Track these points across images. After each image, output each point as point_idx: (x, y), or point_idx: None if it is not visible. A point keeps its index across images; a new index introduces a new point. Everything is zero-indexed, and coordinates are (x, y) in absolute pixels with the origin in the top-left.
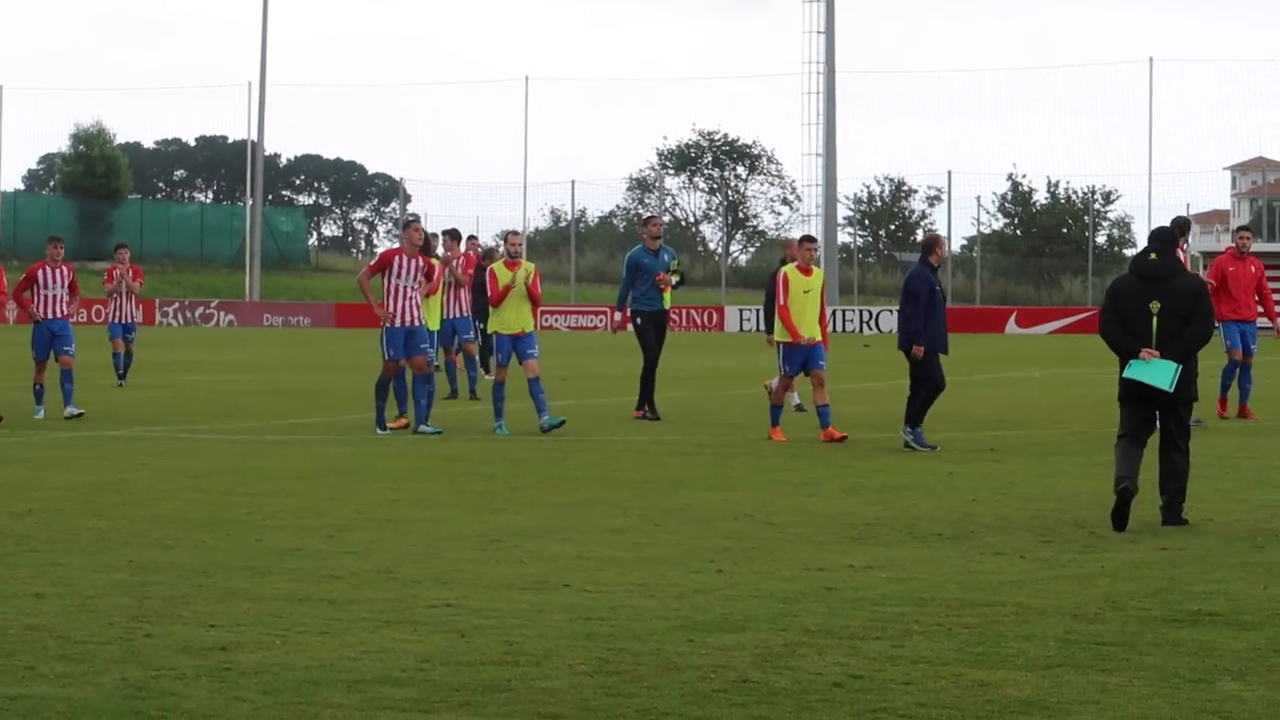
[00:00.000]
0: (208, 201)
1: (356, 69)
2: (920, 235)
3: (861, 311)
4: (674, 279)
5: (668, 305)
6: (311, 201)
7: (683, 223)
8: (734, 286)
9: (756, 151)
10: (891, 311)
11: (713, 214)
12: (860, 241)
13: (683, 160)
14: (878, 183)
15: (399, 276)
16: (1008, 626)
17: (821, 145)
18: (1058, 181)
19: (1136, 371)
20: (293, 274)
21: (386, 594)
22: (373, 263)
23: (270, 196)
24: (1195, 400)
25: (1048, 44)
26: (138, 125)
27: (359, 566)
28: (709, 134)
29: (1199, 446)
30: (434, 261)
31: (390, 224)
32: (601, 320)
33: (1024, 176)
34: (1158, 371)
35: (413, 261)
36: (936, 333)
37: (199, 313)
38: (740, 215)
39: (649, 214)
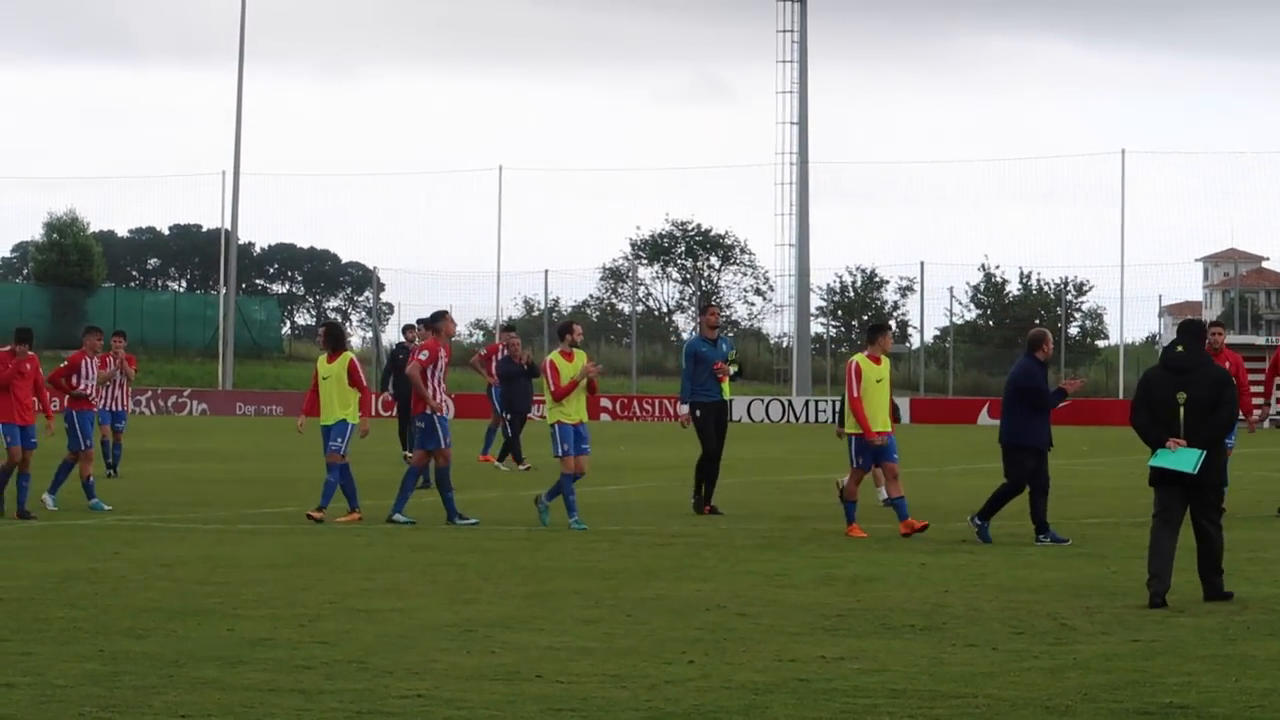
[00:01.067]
0: (181, 290)
1: (330, 159)
2: (893, 326)
3: (834, 402)
4: (732, 369)
5: (727, 396)
6: (285, 290)
7: (655, 313)
8: None
9: (729, 241)
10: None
11: (686, 304)
12: (833, 332)
13: (656, 250)
14: (850, 273)
15: (439, 369)
16: (979, 718)
17: (794, 235)
18: (1030, 272)
19: (1163, 459)
20: (266, 363)
21: (358, 684)
22: (424, 357)
23: (244, 285)
24: (1225, 484)
25: (1020, 135)
26: (111, 214)
27: (330, 656)
28: (682, 224)
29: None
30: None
31: (364, 313)
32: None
33: (997, 267)
34: (1183, 458)
35: (444, 351)
36: (1044, 429)
37: (171, 401)
38: (713, 305)
39: (707, 304)
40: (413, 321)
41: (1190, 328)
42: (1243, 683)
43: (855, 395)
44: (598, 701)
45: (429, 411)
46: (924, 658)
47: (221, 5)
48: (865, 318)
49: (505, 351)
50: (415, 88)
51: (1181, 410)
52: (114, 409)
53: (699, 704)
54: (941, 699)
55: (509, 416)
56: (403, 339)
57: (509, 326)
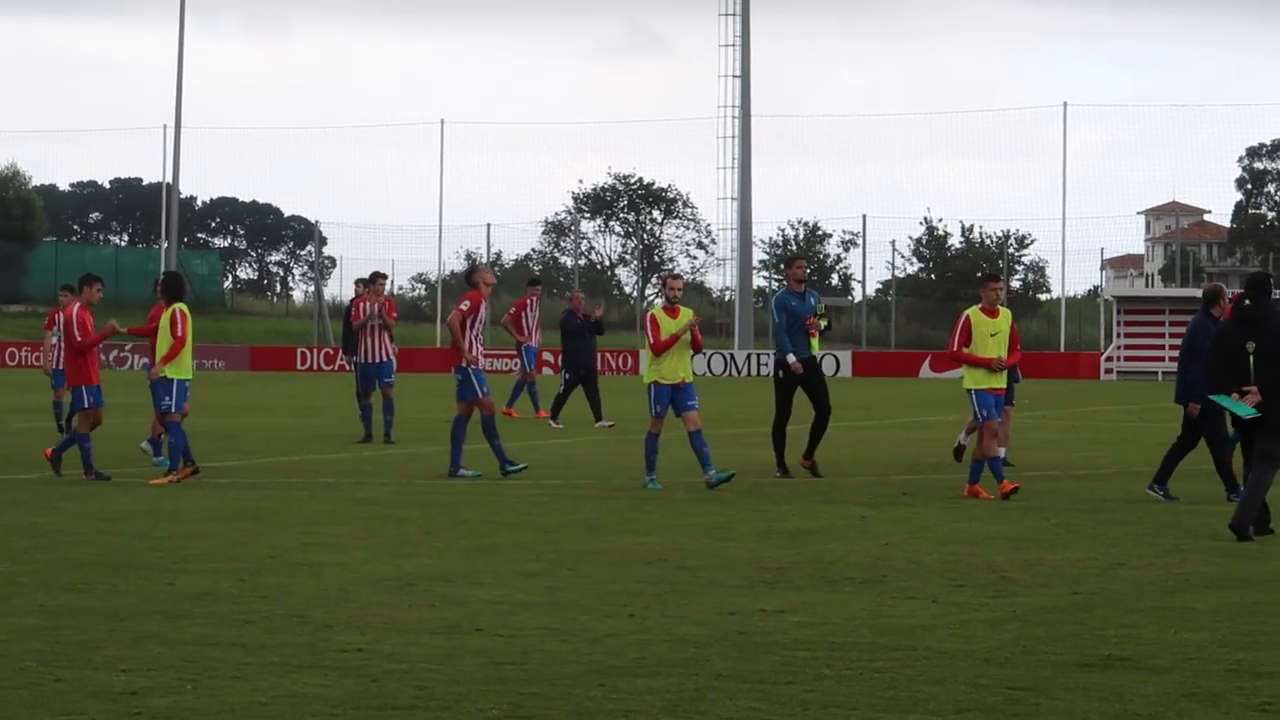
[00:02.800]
0: (123, 244)
1: (273, 113)
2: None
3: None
4: (823, 323)
5: (816, 351)
6: (227, 244)
7: (598, 266)
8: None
9: (672, 195)
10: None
11: (628, 258)
12: (775, 285)
13: (598, 204)
14: (792, 226)
15: (479, 321)
16: (919, 671)
17: (736, 189)
18: (972, 226)
19: (1224, 401)
20: (208, 317)
21: (298, 638)
22: (465, 308)
23: (186, 239)
24: None
25: (960, 89)
26: (53, 168)
27: (271, 610)
28: (624, 178)
29: (1112, 492)
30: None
31: (306, 266)
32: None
33: (939, 221)
34: (1241, 407)
35: (485, 306)
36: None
37: (113, 355)
38: (656, 259)
39: (794, 255)
40: (363, 277)
41: (1257, 280)
42: (1181, 634)
43: (955, 348)
44: (538, 655)
45: (465, 364)
46: (864, 610)
47: None
48: (809, 271)
49: (568, 306)
50: (346, 42)
51: (1251, 359)
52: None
53: (640, 657)
54: (881, 651)
55: (568, 375)
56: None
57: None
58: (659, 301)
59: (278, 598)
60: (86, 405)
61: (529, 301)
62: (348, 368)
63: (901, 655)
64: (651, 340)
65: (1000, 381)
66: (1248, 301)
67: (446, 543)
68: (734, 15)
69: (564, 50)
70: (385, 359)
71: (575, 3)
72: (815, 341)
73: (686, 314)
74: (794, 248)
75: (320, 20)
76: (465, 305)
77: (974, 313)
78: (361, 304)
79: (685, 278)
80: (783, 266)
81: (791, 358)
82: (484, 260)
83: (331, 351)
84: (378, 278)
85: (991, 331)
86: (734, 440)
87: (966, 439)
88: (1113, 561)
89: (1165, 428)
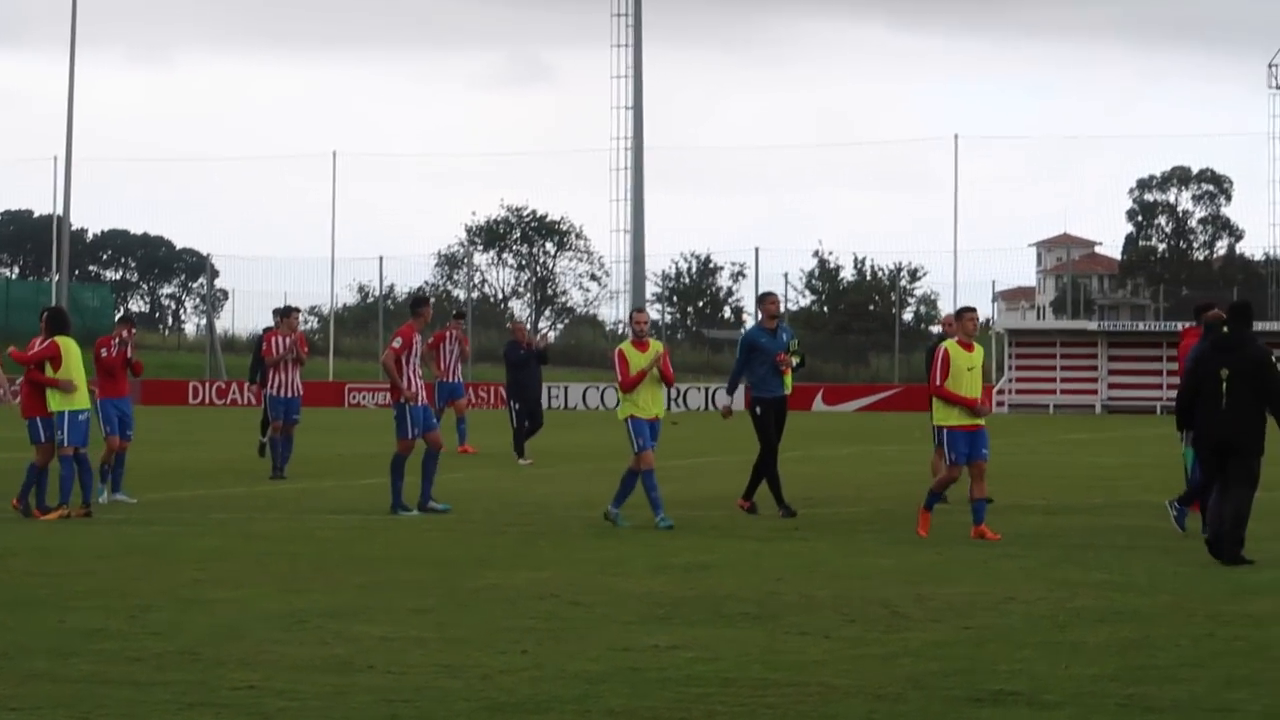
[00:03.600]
0: (13, 276)
1: (162, 144)
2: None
3: (669, 389)
4: (795, 359)
5: (788, 390)
6: (119, 277)
7: (491, 299)
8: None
9: (565, 228)
10: (699, 389)
11: (521, 290)
12: (669, 318)
13: (491, 236)
14: (684, 259)
15: (415, 355)
16: (811, 706)
17: (629, 222)
18: (864, 258)
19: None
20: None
21: (189, 675)
22: (397, 345)
23: (77, 271)
24: (1261, 452)
25: (852, 120)
26: None
27: (162, 648)
28: (517, 210)
29: (1003, 527)
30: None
31: (198, 299)
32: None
33: (830, 253)
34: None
35: (420, 339)
36: None
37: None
38: (549, 292)
39: (766, 292)
40: (281, 307)
41: (1238, 309)
42: (1073, 669)
43: (938, 384)
44: (431, 692)
45: (402, 400)
46: (756, 646)
47: None
48: (700, 304)
49: (511, 337)
50: (234, 72)
51: (1224, 385)
52: None
53: (533, 694)
54: (774, 687)
55: (516, 406)
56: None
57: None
58: (628, 336)
59: (169, 635)
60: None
61: (448, 334)
62: (256, 401)
63: (794, 691)
64: (620, 377)
65: (977, 420)
66: (1225, 329)
67: (338, 579)
68: (626, 46)
69: (452, 81)
70: (295, 394)
71: (462, 34)
72: (788, 379)
73: (656, 347)
74: (687, 280)
75: (205, 50)
76: (397, 342)
77: (951, 346)
78: (274, 338)
79: (580, 311)
80: (756, 303)
81: (724, 400)
82: (377, 292)
83: (224, 385)
84: (291, 312)
85: (969, 365)
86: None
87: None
88: (1004, 596)
89: (1055, 460)
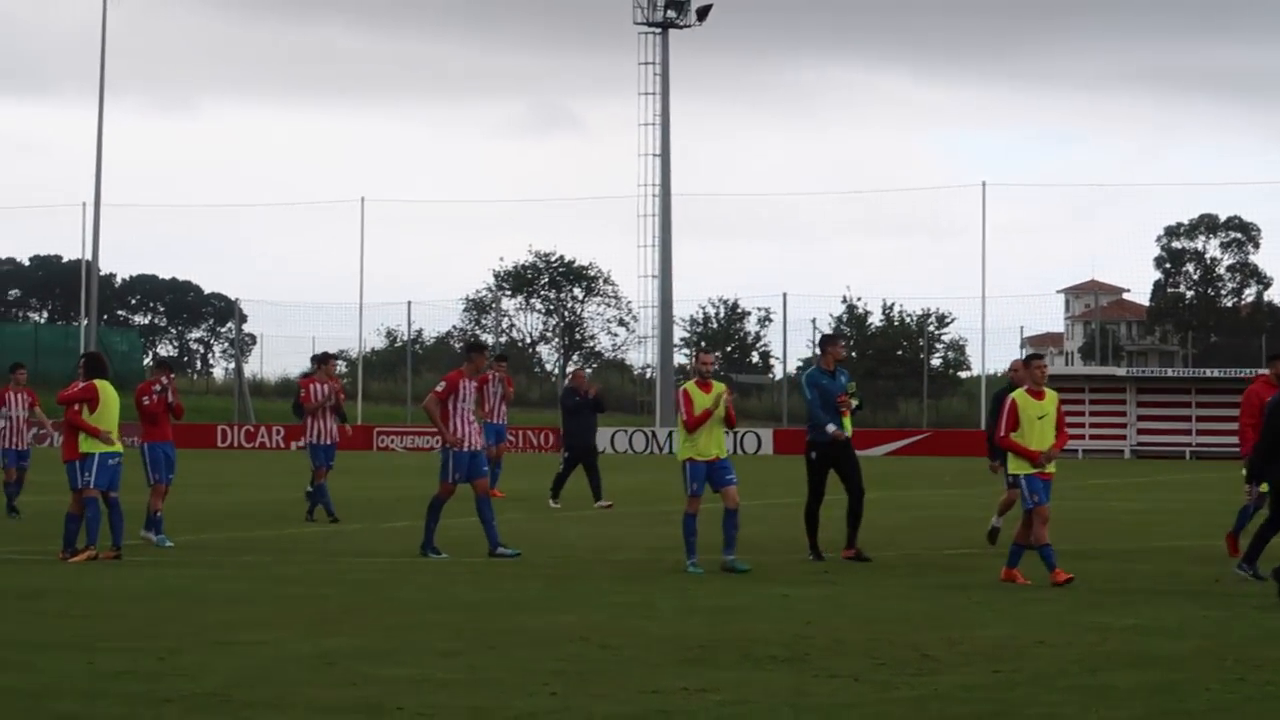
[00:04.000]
0: (43, 321)
1: (188, 191)
2: (756, 357)
3: (731, 432)
4: (854, 401)
5: (848, 432)
6: (147, 321)
7: (519, 344)
8: None
9: (593, 273)
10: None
11: (549, 335)
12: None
13: (519, 282)
14: (712, 304)
15: (463, 400)
16: None
17: (657, 267)
18: (892, 304)
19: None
20: (128, 393)
21: (218, 717)
22: (440, 389)
23: (105, 316)
24: None
25: (878, 168)
26: None
27: (191, 689)
28: (545, 255)
29: (1029, 571)
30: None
31: (226, 344)
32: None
33: (859, 299)
34: None
35: (473, 384)
36: None
37: (33, 433)
38: (577, 336)
39: (833, 335)
40: (319, 354)
41: None
42: (1103, 713)
43: (1003, 434)
44: None
45: (446, 445)
46: (786, 689)
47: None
48: (728, 349)
49: (569, 383)
50: (256, 121)
51: None
52: (19, 448)
53: None
54: None
55: (567, 454)
56: (307, 372)
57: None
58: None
59: (198, 676)
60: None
61: (492, 376)
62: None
63: None
64: (685, 417)
65: (1050, 468)
66: None
67: (367, 621)
68: (654, 94)
69: (474, 129)
70: (333, 440)
71: (486, 81)
72: (848, 421)
73: (719, 388)
74: (715, 326)
75: (227, 98)
76: (441, 386)
77: (1020, 395)
78: (312, 384)
79: (608, 355)
80: (819, 347)
81: (832, 426)
82: (405, 336)
83: (252, 429)
84: (329, 358)
85: (1039, 414)
86: (654, 519)
87: (999, 520)
88: (1033, 640)
89: (1084, 505)
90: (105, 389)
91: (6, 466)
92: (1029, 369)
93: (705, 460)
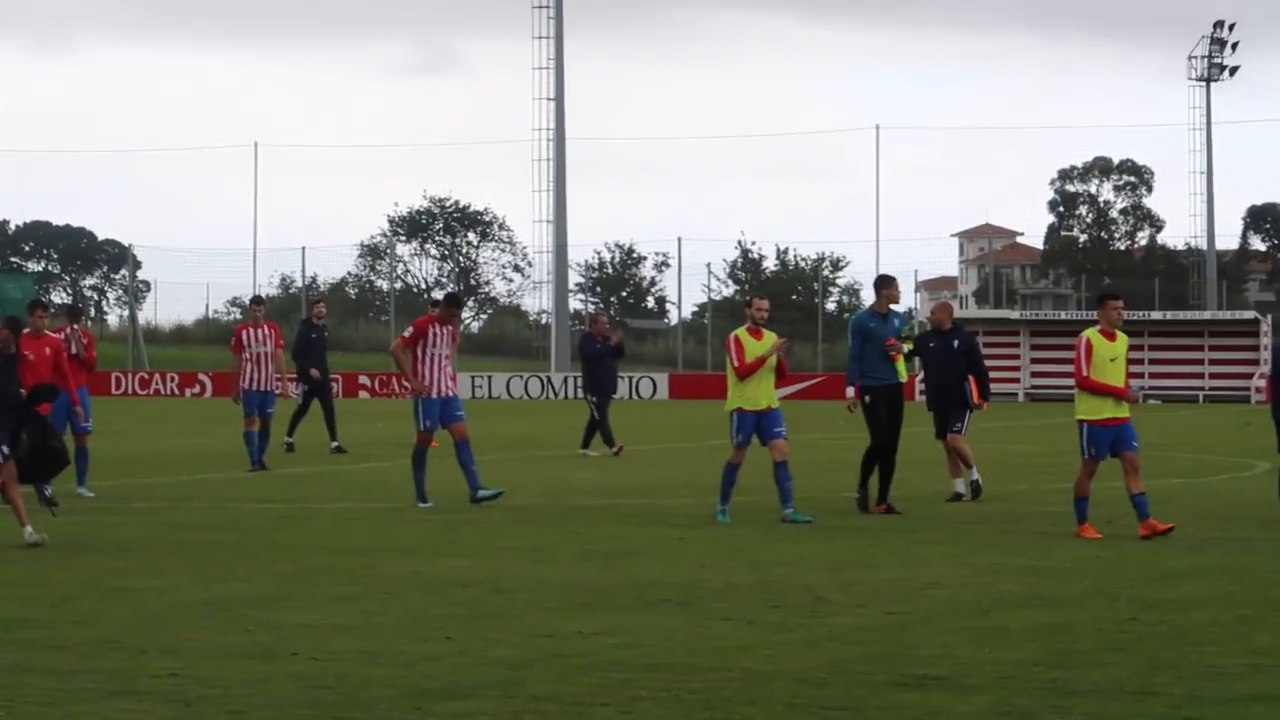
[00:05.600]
0: None
1: (75, 136)
2: (652, 302)
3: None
4: (906, 346)
5: (903, 378)
6: (41, 268)
7: (414, 289)
8: (465, 354)
9: (488, 218)
10: (623, 377)
11: (445, 281)
12: (592, 308)
13: (414, 227)
14: (608, 249)
15: (434, 346)
16: (734, 691)
17: (552, 212)
18: (786, 249)
19: None
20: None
21: (112, 664)
22: (407, 334)
23: None
24: None
25: (770, 111)
26: None
27: (84, 636)
28: (439, 201)
29: (926, 513)
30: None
31: (121, 290)
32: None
33: (753, 244)
34: None
35: (445, 329)
36: None
37: None
38: (472, 282)
39: (888, 276)
40: (320, 298)
41: None
42: (996, 653)
43: (1084, 375)
44: (354, 679)
45: (415, 391)
46: (680, 632)
47: None
48: (624, 294)
49: (587, 329)
50: (139, 64)
51: None
52: None
53: (456, 680)
54: (697, 672)
55: (594, 399)
56: (310, 316)
57: (599, 314)
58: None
59: (91, 623)
60: None
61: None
62: (294, 394)
63: (717, 676)
64: (736, 364)
65: (1122, 411)
66: None
67: (261, 567)
68: (548, 38)
69: (362, 70)
70: (271, 388)
71: (366, 21)
72: (901, 366)
73: (770, 336)
74: (610, 271)
75: (107, 40)
76: (408, 332)
77: (1093, 335)
78: (244, 330)
79: (504, 301)
80: (874, 288)
81: (850, 392)
82: (301, 283)
83: (146, 376)
84: (260, 301)
85: (1111, 356)
86: (549, 463)
87: (963, 486)
88: (927, 581)
89: (978, 448)
90: None
91: None
92: (1104, 309)
93: (755, 410)
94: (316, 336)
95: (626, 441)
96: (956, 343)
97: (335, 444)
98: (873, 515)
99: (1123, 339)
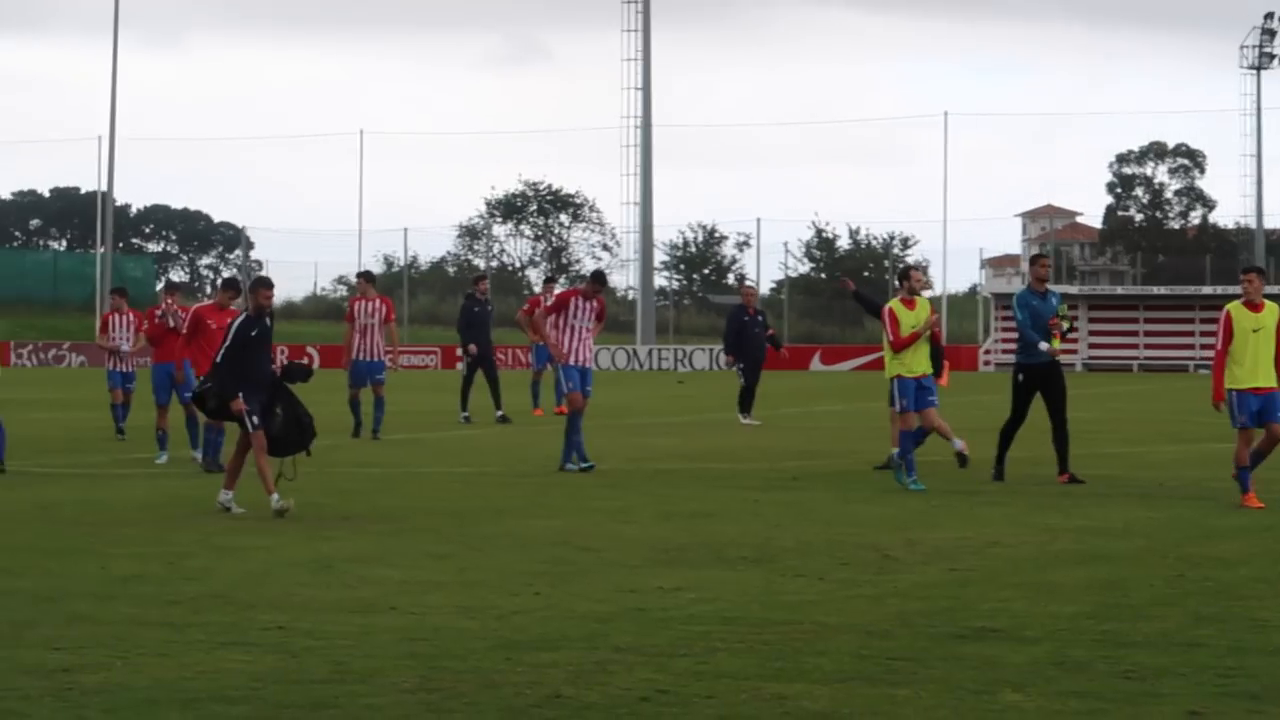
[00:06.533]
0: (61, 249)
1: (190, 126)
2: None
3: (676, 350)
4: (1065, 325)
5: (1056, 345)
6: (160, 249)
7: (509, 268)
8: None
9: (579, 200)
10: (704, 350)
11: (537, 259)
12: (675, 285)
13: (509, 209)
14: (691, 229)
15: (574, 317)
16: (805, 643)
17: (639, 194)
18: (858, 228)
19: None
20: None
21: (222, 617)
22: (549, 304)
23: (120, 244)
24: None
25: (847, 99)
26: None
27: (197, 591)
28: (534, 184)
29: (988, 476)
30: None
31: (235, 269)
32: (432, 359)
33: (827, 224)
34: None
35: (588, 303)
36: None
37: (51, 354)
38: (563, 261)
39: (1039, 255)
40: (483, 274)
41: None
42: (1050, 608)
43: (1220, 348)
44: (448, 632)
45: (556, 361)
46: (755, 587)
47: None
48: (706, 271)
49: (740, 301)
50: (245, 58)
51: None
52: (125, 370)
53: (544, 633)
54: (770, 625)
55: (742, 367)
56: (471, 291)
57: (750, 287)
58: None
59: (203, 580)
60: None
61: (542, 298)
62: (462, 360)
63: (789, 629)
64: (891, 337)
65: (1268, 379)
66: None
67: (363, 527)
68: (636, 31)
69: (460, 63)
70: (378, 357)
71: (464, 16)
72: (1057, 342)
73: (924, 305)
74: (693, 250)
75: (215, 35)
76: (549, 301)
77: (1234, 307)
78: (356, 303)
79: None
80: (1028, 265)
81: (1045, 345)
82: (402, 261)
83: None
84: (369, 276)
85: (1255, 326)
86: (634, 430)
87: (961, 444)
88: (988, 540)
89: (1037, 415)
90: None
91: (113, 388)
92: (1245, 281)
93: (914, 376)
94: (480, 311)
95: (708, 409)
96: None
97: (500, 413)
98: (956, 477)
99: (1272, 309)
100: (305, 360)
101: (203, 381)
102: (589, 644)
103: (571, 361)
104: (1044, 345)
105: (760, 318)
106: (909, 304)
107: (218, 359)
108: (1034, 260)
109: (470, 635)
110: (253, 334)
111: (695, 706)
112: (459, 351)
